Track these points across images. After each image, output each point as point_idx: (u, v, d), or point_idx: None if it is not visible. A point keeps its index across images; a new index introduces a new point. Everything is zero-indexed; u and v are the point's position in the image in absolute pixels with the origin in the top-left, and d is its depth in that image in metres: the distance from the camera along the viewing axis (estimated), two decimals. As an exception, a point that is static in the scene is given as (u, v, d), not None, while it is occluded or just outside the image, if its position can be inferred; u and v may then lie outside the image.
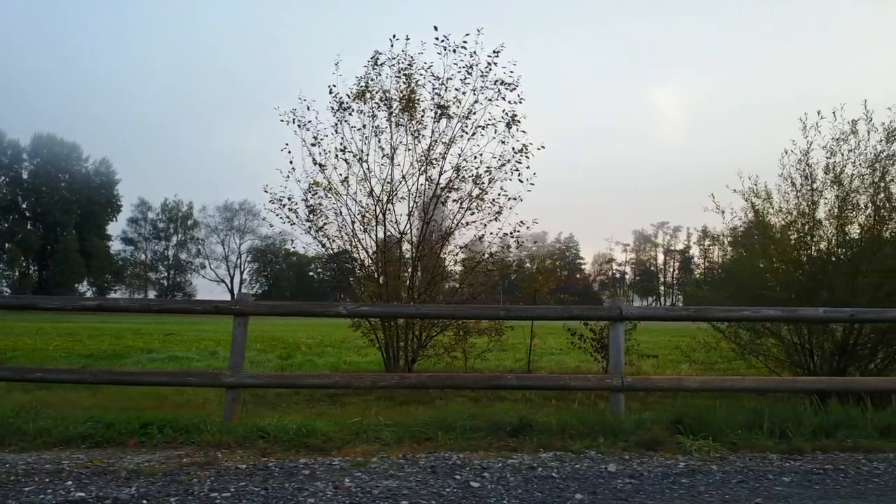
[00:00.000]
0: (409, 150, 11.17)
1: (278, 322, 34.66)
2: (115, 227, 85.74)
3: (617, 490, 3.78)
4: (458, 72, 10.91)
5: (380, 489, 3.70)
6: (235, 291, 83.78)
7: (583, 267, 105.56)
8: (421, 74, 10.92)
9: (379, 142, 11.14)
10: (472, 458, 4.48)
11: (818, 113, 8.94)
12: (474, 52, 10.79)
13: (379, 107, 11.20)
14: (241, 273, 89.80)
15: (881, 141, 8.92)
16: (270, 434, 4.86)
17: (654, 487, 3.88)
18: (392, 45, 10.97)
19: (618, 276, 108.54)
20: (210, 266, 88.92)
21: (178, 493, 3.58)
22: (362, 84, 10.97)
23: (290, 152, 11.02)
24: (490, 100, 11.10)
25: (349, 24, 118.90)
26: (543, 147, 11.28)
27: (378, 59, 10.96)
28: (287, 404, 7.50)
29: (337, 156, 11.18)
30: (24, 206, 77.42)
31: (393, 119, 11.16)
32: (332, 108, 11.18)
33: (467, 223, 11.59)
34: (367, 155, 11.08)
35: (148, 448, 4.64)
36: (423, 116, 11.10)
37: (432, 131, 11.12)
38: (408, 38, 10.86)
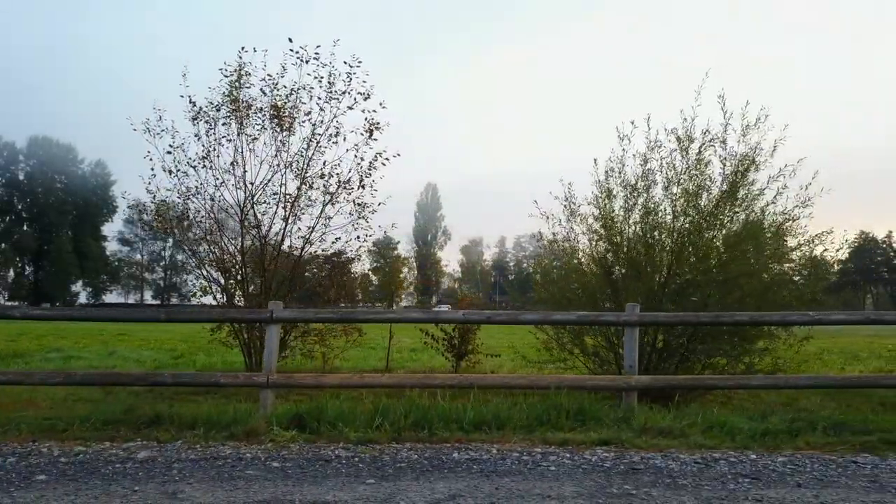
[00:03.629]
0: (260, 157, 11.56)
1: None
2: (111, 228, 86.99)
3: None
4: (317, 81, 11.36)
5: None
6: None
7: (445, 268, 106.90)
8: (264, 82, 11.37)
9: (237, 149, 11.62)
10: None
11: (632, 122, 9.38)
12: (332, 63, 11.23)
13: (230, 116, 11.69)
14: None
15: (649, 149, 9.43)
16: None
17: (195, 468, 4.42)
18: (240, 57, 11.46)
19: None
20: (207, 267, 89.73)
21: None
22: (216, 95, 11.42)
23: (151, 160, 11.62)
24: (350, 107, 11.59)
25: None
26: (398, 155, 11.79)
27: (230, 69, 11.38)
28: None
29: (194, 165, 11.70)
30: (19, 207, 78.89)
31: (243, 128, 11.64)
32: (190, 118, 11.74)
33: (325, 229, 12.09)
34: (215, 161, 11.57)
35: None
36: (284, 125, 11.55)
37: (288, 140, 11.56)
38: (266, 50, 11.30)
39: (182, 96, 11.46)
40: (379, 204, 11.94)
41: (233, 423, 5.59)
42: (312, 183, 11.63)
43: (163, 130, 11.52)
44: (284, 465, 4.57)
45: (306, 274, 12.64)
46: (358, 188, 11.58)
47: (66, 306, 69.95)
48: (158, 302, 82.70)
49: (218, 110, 11.37)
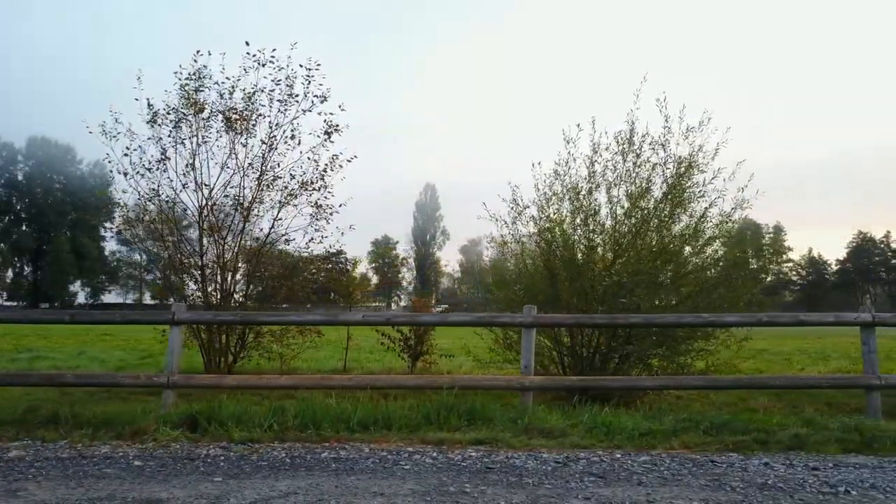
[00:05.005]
0: (217, 160, 11.73)
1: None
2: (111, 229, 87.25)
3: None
4: (274, 83, 11.52)
5: None
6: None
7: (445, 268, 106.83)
8: (219, 86, 11.53)
9: (193, 152, 11.80)
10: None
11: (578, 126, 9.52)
12: (288, 66, 11.40)
13: (182, 120, 11.87)
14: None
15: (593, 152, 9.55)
16: None
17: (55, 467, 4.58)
18: (195, 60, 11.64)
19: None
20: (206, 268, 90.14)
21: None
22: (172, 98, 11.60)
23: (110, 161, 11.87)
24: (307, 110, 11.76)
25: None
26: (356, 157, 11.99)
27: (185, 72, 11.53)
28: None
29: (149, 168, 11.91)
30: (18, 207, 79.40)
31: (196, 131, 11.82)
32: (147, 121, 11.93)
33: (285, 230, 12.32)
34: (170, 164, 11.76)
35: None
36: (238, 128, 11.72)
37: (246, 143, 11.73)
38: (224, 54, 11.47)
39: (136, 99, 11.71)
40: (340, 205, 12.19)
41: (126, 422, 5.75)
42: (270, 184, 11.86)
43: (119, 133, 11.77)
44: (147, 463, 4.72)
45: (258, 275, 12.83)
46: (318, 189, 11.84)
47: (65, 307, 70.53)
48: (157, 302, 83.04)
49: (169, 114, 11.60)
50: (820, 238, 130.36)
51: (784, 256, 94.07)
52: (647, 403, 8.67)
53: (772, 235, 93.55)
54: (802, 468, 4.92)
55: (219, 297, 12.00)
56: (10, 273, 77.42)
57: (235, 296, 12.00)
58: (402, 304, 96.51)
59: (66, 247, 75.93)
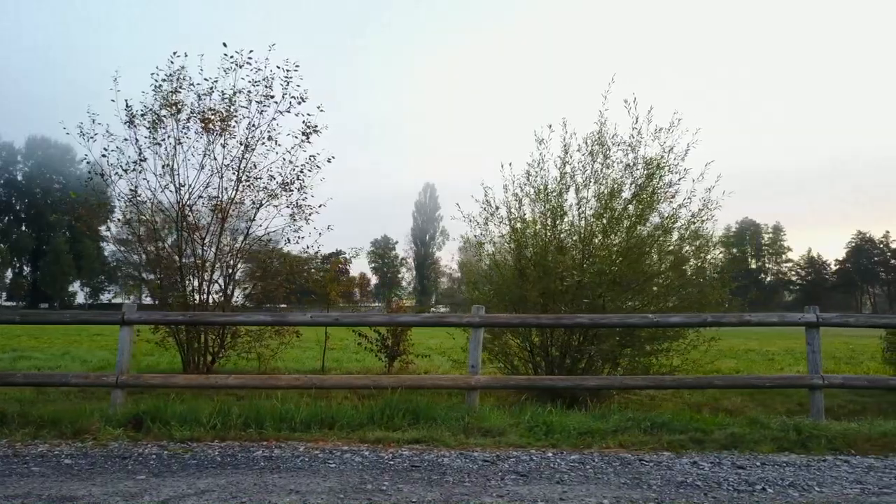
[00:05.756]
0: (194, 161, 11.81)
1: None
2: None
3: None
4: (252, 85, 11.61)
5: None
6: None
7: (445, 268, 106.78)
8: (194, 87, 11.61)
9: (170, 152, 11.89)
10: None
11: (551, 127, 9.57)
12: (266, 67, 11.48)
13: (158, 122, 11.96)
14: (235, 274, 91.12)
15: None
16: None
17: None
18: (172, 62, 11.73)
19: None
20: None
21: None
22: (149, 99, 11.68)
23: (89, 163, 11.99)
24: (284, 111, 11.85)
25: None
26: (333, 158, 12.09)
27: (161, 73, 11.61)
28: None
29: (126, 169, 12.02)
30: (17, 207, 79.68)
31: (170, 132, 11.90)
32: (125, 122, 12.02)
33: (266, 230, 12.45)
34: (146, 164, 11.86)
35: None
36: (215, 130, 11.80)
37: (227, 143, 11.81)
38: (202, 55, 11.55)
39: (113, 100, 11.82)
40: (320, 205, 12.31)
41: (71, 422, 5.81)
42: (252, 184, 11.97)
43: (96, 134, 11.89)
44: (77, 462, 4.79)
45: (232, 274, 12.92)
46: (297, 190, 11.95)
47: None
48: (155, 302, 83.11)
49: (146, 115, 11.69)
50: (819, 238, 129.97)
51: (784, 256, 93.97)
52: (618, 403, 8.71)
53: (771, 235, 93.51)
54: (729, 467, 4.97)
55: (200, 296, 12.15)
56: (9, 273, 77.64)
57: (214, 296, 12.14)
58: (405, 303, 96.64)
59: (65, 247, 76.15)
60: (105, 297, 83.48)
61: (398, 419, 6.04)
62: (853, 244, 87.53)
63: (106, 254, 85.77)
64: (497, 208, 10.17)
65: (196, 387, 6.51)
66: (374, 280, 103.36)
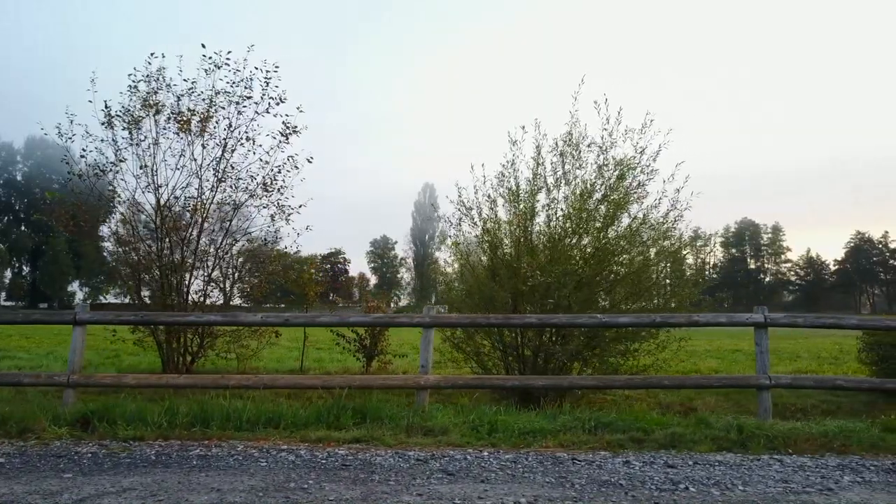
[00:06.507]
0: (171, 162, 11.86)
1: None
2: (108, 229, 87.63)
3: None
4: (231, 85, 11.66)
5: None
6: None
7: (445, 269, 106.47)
8: (170, 89, 11.67)
9: (147, 152, 11.96)
10: None
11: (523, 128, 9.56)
12: (244, 69, 11.54)
13: (134, 123, 12.03)
14: (234, 274, 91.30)
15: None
16: None
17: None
18: (149, 63, 11.79)
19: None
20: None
21: None
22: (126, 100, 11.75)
23: (68, 164, 12.08)
24: (262, 112, 11.91)
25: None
26: (312, 159, 12.16)
27: (139, 74, 11.66)
28: None
29: (104, 169, 12.12)
30: (17, 207, 79.88)
31: (145, 133, 11.97)
32: (102, 123, 12.11)
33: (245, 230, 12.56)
34: (123, 165, 11.93)
35: None
36: (194, 131, 11.85)
37: (207, 143, 11.87)
38: (180, 56, 11.62)
39: (90, 101, 11.92)
40: (300, 206, 12.36)
41: (18, 421, 5.87)
42: (235, 185, 12.04)
43: (74, 135, 12.01)
44: (10, 461, 4.84)
45: (209, 275, 12.99)
46: (278, 190, 12.01)
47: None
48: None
49: (123, 116, 11.76)
50: (818, 238, 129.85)
51: (783, 257, 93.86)
52: (590, 403, 8.75)
53: (770, 235, 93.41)
54: (660, 466, 5.00)
55: (178, 297, 12.21)
56: (8, 273, 77.83)
57: (193, 295, 12.20)
58: (401, 303, 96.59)
59: (64, 247, 76.27)
60: (105, 298, 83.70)
61: (345, 419, 6.08)
62: (852, 244, 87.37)
63: (105, 254, 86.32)
64: (470, 209, 10.22)
65: (146, 386, 6.56)
66: (373, 280, 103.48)
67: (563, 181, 9.76)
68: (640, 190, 9.75)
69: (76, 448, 5.27)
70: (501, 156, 9.87)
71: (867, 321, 7.16)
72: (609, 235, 9.63)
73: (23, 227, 79.31)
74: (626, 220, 9.75)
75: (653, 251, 10.17)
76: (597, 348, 9.11)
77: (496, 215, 9.95)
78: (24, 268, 79.91)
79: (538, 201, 9.79)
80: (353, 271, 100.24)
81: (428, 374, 6.51)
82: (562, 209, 9.68)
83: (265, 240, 12.81)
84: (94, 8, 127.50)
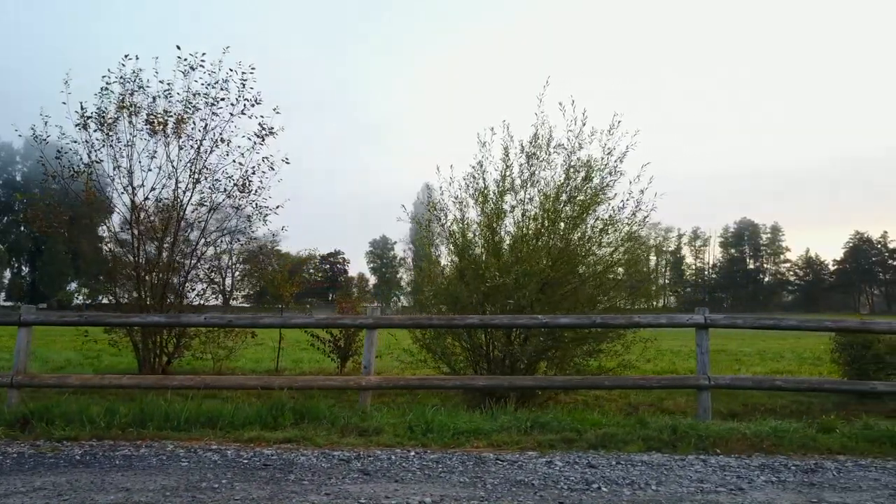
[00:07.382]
0: (145, 164, 11.92)
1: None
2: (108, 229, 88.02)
3: None
4: (207, 87, 11.73)
5: None
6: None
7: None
8: (143, 91, 11.72)
9: (120, 154, 12.04)
10: None
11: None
12: (219, 71, 11.61)
13: (109, 125, 12.10)
14: (233, 275, 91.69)
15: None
16: None
17: None
18: (123, 65, 11.85)
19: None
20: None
21: None
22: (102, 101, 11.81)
23: (43, 165, 12.19)
24: (238, 114, 11.97)
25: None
26: (288, 161, 12.22)
27: (113, 76, 11.71)
28: None
29: (80, 171, 12.22)
30: (16, 207, 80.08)
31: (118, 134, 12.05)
32: (77, 124, 12.19)
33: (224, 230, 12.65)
34: (97, 167, 12.02)
35: None
36: (168, 132, 11.91)
37: (182, 145, 11.93)
38: (157, 58, 11.69)
39: (64, 103, 11.99)
40: (277, 206, 12.40)
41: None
42: (213, 186, 12.11)
43: (48, 136, 12.10)
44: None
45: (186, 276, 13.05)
46: (255, 191, 12.08)
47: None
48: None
49: (95, 118, 11.83)
50: (818, 238, 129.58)
51: (782, 257, 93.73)
52: (559, 404, 8.77)
53: (769, 235, 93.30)
54: (582, 466, 5.03)
55: (155, 299, 12.27)
56: (7, 273, 78.12)
57: (170, 296, 12.27)
58: (402, 303, 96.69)
59: (62, 247, 76.50)
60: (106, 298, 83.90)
61: (283, 419, 6.13)
62: (851, 244, 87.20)
63: (104, 254, 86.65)
64: (442, 210, 10.29)
65: (89, 386, 6.62)
66: (372, 280, 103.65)
67: (530, 182, 9.78)
68: (605, 191, 9.77)
69: (7, 448, 5.32)
70: (472, 157, 9.89)
71: (806, 322, 7.18)
72: (573, 237, 9.67)
73: (22, 228, 79.52)
74: (591, 222, 9.80)
75: (617, 253, 10.19)
76: (558, 349, 9.16)
77: (464, 216, 10.00)
78: (24, 268, 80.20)
79: (505, 202, 9.83)
80: (353, 271, 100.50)
81: (370, 374, 6.55)
82: (527, 210, 9.72)
83: (237, 240, 12.85)
84: (93, 7, 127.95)
